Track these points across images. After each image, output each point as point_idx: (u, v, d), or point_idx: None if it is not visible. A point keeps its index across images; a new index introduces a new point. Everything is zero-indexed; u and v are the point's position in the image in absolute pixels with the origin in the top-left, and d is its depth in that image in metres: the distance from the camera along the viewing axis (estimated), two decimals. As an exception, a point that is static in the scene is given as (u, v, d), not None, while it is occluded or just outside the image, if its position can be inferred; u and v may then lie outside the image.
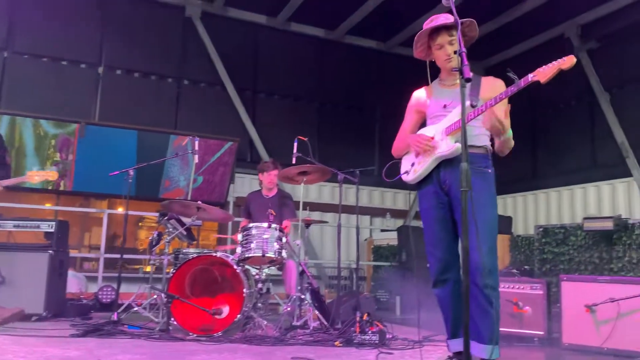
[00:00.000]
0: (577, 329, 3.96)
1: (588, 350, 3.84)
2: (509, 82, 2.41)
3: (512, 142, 2.67)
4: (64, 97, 7.99)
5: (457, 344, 2.72)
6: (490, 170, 2.75)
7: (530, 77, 2.33)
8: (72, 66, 8.25)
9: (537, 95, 9.26)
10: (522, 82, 2.34)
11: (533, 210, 9.69)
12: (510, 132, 2.57)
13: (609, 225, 4.91)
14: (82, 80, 8.28)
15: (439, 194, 2.76)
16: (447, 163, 2.72)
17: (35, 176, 4.37)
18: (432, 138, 2.73)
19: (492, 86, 2.72)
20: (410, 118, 3.02)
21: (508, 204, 10.07)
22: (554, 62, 2.30)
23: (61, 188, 7.63)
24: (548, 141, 9.46)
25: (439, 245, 2.77)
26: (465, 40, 2.56)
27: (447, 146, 2.68)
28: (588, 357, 3.60)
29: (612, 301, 3.78)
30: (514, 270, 7.48)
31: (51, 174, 4.51)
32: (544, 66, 2.33)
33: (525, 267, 7.63)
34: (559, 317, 4.14)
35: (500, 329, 4.04)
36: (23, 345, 3.38)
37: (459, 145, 2.60)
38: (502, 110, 2.50)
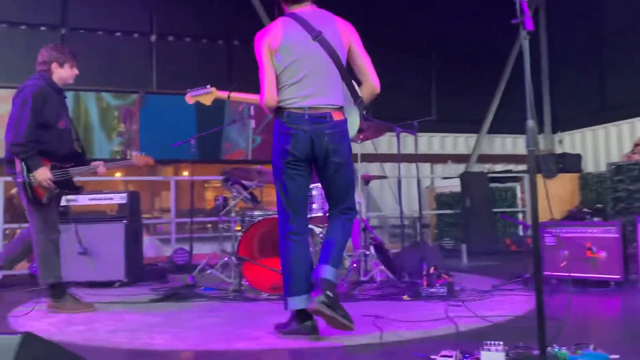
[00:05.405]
0: (657, 271, 3.81)
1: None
2: None
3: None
4: (121, 68, 8.20)
5: None
6: None
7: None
8: (125, 37, 8.40)
9: (606, 12, 8.61)
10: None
11: (604, 145, 9.19)
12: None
13: (690, 159, 4.59)
14: (136, 50, 8.45)
15: None
16: None
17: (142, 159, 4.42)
18: None
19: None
20: None
21: (576, 140, 9.61)
22: None
23: (128, 157, 7.93)
24: (618, 65, 8.78)
25: None
26: None
27: None
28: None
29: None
30: (585, 210, 7.21)
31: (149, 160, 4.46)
32: None
33: (598, 205, 7.35)
34: (635, 258, 3.99)
35: (574, 274, 3.98)
36: (109, 313, 3.64)
37: None
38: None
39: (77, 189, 3.88)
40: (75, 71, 3.83)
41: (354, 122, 2.99)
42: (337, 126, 2.81)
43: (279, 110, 2.86)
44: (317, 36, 2.80)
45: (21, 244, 3.90)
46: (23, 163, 3.51)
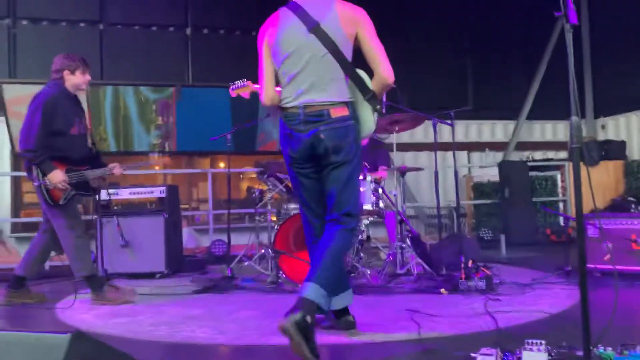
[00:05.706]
0: None
1: None
2: None
3: None
4: (158, 62, 8.32)
5: None
6: None
7: None
8: (161, 31, 8.51)
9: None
10: None
11: (650, 130, 8.84)
12: None
13: None
14: (172, 43, 8.55)
15: None
16: None
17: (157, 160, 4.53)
18: None
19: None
20: None
21: (620, 126, 9.27)
22: None
23: (166, 149, 8.11)
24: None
25: None
26: None
27: None
28: None
29: None
30: (630, 199, 6.99)
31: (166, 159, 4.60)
32: None
33: (643, 193, 7.10)
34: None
35: (618, 267, 3.86)
36: (151, 305, 3.73)
37: None
38: None
39: (93, 190, 3.96)
40: (87, 77, 3.91)
41: (366, 119, 2.70)
42: (335, 122, 2.57)
43: (279, 109, 2.72)
44: (313, 27, 2.58)
45: (37, 249, 4.00)
46: (37, 168, 3.64)
